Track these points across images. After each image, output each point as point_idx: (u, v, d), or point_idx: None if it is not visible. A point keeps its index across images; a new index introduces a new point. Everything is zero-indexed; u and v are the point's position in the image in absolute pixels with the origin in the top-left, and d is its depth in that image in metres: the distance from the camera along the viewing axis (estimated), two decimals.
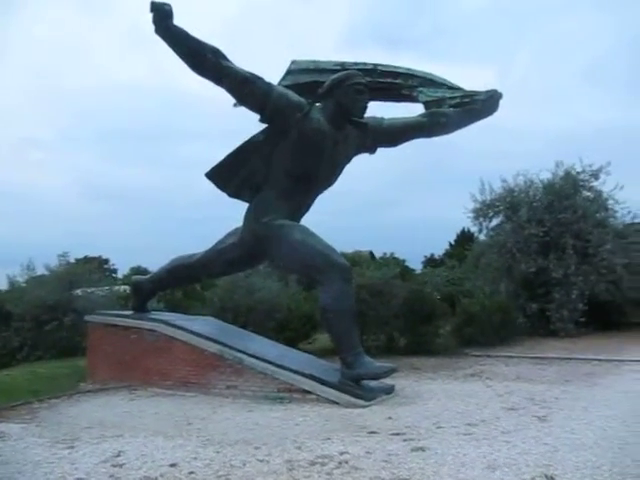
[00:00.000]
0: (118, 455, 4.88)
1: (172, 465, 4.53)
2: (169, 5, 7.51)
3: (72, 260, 16.85)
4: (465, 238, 34.15)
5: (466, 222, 19.92)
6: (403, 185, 68.09)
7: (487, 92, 8.69)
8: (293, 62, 9.61)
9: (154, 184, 69.72)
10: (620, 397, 6.97)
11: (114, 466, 4.56)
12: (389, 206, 63.57)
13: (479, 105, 8.70)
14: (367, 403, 6.96)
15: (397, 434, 5.34)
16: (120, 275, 29.71)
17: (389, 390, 7.67)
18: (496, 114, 8.93)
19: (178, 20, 7.48)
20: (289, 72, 9.48)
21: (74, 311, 13.27)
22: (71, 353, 12.72)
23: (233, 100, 8.90)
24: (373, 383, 7.51)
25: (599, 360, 10.40)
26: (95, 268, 17.47)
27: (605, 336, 14.34)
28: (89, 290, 14.58)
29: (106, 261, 36.15)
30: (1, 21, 73.67)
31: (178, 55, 7.81)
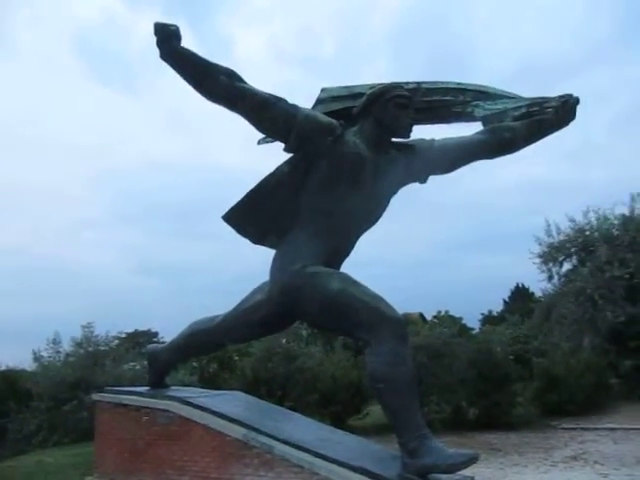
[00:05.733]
0: None
1: None
2: (175, 26, 6.43)
3: (123, 335, 15.82)
4: (521, 293, 31.67)
5: (520, 277, 17.84)
6: (445, 247, 66.06)
7: (560, 97, 7.02)
8: (323, 90, 8.38)
9: (201, 257, 69.93)
10: None
11: None
12: (434, 267, 61.31)
13: (552, 114, 7.06)
14: None
15: None
16: None
17: None
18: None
19: None
20: (319, 101, 8.23)
21: (97, 388, 11.90)
22: (92, 437, 11.29)
23: (258, 136, 7.76)
24: (446, 477, 5.57)
25: None
26: (126, 342, 16.25)
27: None
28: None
29: (155, 334, 35.33)
30: (47, 103, 78.24)
31: (187, 80, 6.65)
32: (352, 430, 7.89)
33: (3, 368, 16.95)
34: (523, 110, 7.24)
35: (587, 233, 14.37)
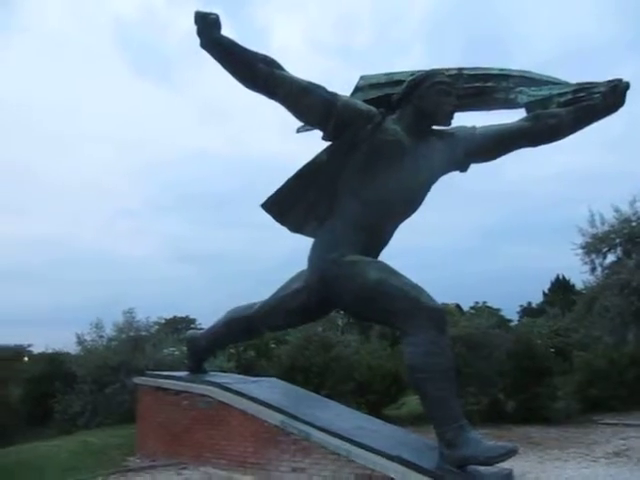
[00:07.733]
0: None
1: None
2: (215, 14, 6.45)
3: (162, 321, 16.16)
4: (561, 285, 30.89)
5: (561, 269, 17.36)
6: (483, 236, 64.94)
7: (609, 82, 6.73)
8: (362, 77, 8.27)
9: (238, 246, 70.63)
10: None
11: None
12: (472, 257, 60.33)
13: (599, 100, 6.78)
14: None
15: None
16: None
17: (507, 478, 5.64)
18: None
19: None
20: (357, 89, 8.12)
21: (138, 372, 12.22)
22: (134, 419, 11.61)
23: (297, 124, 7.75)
24: (484, 469, 5.52)
25: None
26: (165, 327, 16.59)
27: None
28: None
29: (193, 321, 35.87)
30: (88, 96, 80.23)
31: (227, 69, 6.67)
32: (388, 419, 7.89)
33: (50, 351, 17.63)
34: (569, 96, 6.98)
35: (633, 224, 13.86)
